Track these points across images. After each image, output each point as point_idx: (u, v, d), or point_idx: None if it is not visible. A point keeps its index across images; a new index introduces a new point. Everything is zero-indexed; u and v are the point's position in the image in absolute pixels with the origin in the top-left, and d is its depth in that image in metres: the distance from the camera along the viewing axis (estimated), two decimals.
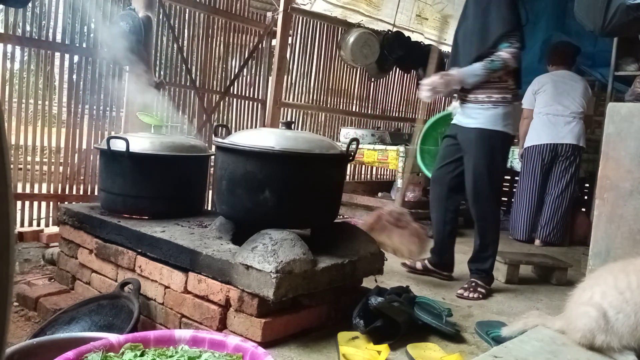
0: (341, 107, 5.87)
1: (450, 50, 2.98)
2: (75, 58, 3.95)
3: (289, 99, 5.24)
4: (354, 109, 6.03)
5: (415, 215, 4.25)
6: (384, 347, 1.71)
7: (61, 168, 3.92)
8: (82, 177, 4.00)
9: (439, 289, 2.71)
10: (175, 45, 4.35)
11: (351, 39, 5.33)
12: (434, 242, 2.95)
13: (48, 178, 3.87)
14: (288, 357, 1.69)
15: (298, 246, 1.78)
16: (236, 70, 4.86)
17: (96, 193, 3.72)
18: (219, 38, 4.70)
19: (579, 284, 1.54)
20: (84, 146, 3.99)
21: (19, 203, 3.79)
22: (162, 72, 4.29)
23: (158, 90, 3.92)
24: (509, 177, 5.82)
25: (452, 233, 2.89)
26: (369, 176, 6.46)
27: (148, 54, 3.74)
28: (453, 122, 2.82)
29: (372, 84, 6.16)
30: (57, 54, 3.79)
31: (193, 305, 1.89)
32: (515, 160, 4.49)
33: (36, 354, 1.44)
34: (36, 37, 3.66)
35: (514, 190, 4.98)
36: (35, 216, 3.85)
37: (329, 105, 5.74)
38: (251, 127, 5.00)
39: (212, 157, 2.58)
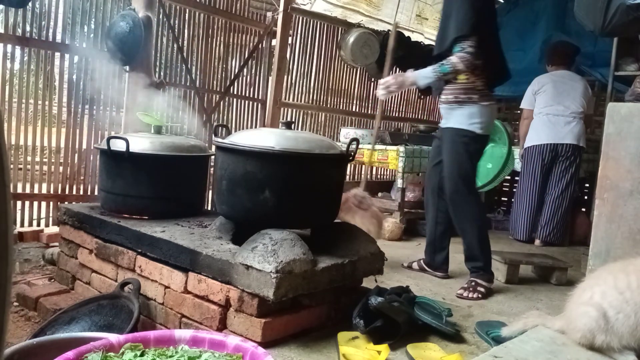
0: (341, 107, 5.86)
1: None
2: (75, 58, 3.95)
3: (289, 99, 5.24)
4: (354, 109, 6.03)
5: (416, 215, 4.28)
6: (384, 347, 1.71)
7: (61, 168, 3.92)
8: (82, 177, 4.00)
9: (439, 289, 2.71)
10: (175, 45, 4.35)
11: (351, 39, 5.33)
12: (425, 243, 2.98)
13: (48, 178, 3.87)
14: (288, 357, 1.69)
15: (298, 246, 1.78)
16: (236, 70, 4.86)
17: (96, 193, 3.72)
18: (219, 38, 4.70)
19: (579, 284, 1.54)
20: (84, 146, 3.99)
21: (19, 203, 3.79)
22: (162, 72, 4.29)
23: (158, 90, 3.92)
24: (509, 177, 5.82)
25: (444, 233, 2.91)
26: (368, 176, 6.45)
27: (148, 54, 3.74)
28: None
29: (372, 84, 6.16)
30: (57, 54, 3.79)
31: (193, 305, 1.89)
32: (515, 160, 4.49)
33: (36, 354, 1.44)
34: (36, 37, 3.66)
35: (514, 190, 4.98)
36: (35, 216, 3.85)
37: (329, 105, 5.74)
38: (251, 127, 5.00)
39: (212, 157, 2.58)
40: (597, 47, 4.81)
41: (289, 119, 3.29)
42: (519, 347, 1.43)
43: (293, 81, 5.31)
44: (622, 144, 1.80)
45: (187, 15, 4.44)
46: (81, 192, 3.99)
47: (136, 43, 3.52)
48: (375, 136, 3.76)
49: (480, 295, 2.61)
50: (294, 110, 5.38)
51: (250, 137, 1.98)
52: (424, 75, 2.61)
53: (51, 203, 3.87)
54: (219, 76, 4.77)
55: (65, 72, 3.86)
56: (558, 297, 2.69)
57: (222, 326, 1.82)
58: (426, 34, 5.97)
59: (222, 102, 4.81)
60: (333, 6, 5.24)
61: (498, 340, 1.73)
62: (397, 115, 6.64)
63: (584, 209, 4.83)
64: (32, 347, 1.46)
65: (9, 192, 0.61)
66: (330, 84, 5.70)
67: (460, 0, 2.54)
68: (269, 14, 4.98)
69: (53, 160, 3.87)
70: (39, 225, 3.86)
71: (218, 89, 4.76)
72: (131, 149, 2.25)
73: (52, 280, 2.73)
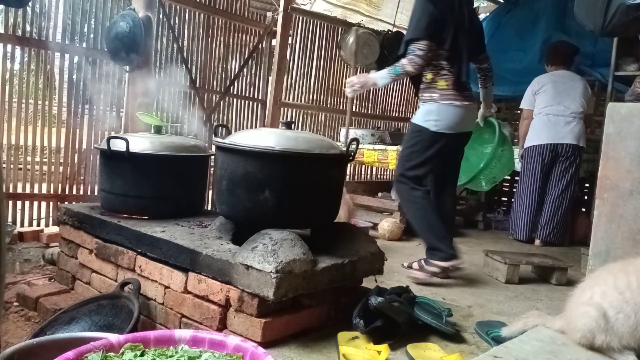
0: (341, 107, 5.86)
1: None
2: (75, 58, 3.95)
3: (289, 99, 5.24)
4: (354, 109, 6.03)
5: None
6: (384, 347, 1.71)
7: (61, 168, 3.92)
8: (82, 177, 4.00)
9: (439, 289, 2.71)
10: (175, 45, 4.35)
11: (351, 39, 5.33)
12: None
13: (48, 178, 3.87)
14: (288, 357, 1.69)
15: (298, 246, 1.78)
16: (236, 70, 4.86)
17: (96, 193, 3.72)
18: (219, 38, 4.70)
19: (579, 284, 1.54)
20: (84, 146, 3.99)
21: (19, 203, 3.79)
22: (162, 72, 4.29)
23: (158, 90, 3.92)
24: (509, 177, 5.82)
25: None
26: (369, 176, 6.46)
27: (148, 54, 3.74)
28: None
29: None
30: (57, 54, 3.79)
31: (193, 305, 1.89)
32: (515, 160, 4.49)
33: (36, 354, 1.44)
34: (36, 37, 3.66)
35: (514, 190, 4.98)
36: (35, 216, 3.85)
37: (329, 105, 5.74)
38: (251, 127, 5.00)
39: (212, 157, 2.58)
40: (597, 47, 4.80)
41: (289, 119, 3.29)
42: (519, 347, 1.43)
43: (293, 81, 5.31)
44: (622, 144, 1.80)
45: (187, 15, 4.45)
46: (81, 192, 3.99)
47: (136, 43, 3.52)
48: (347, 129, 3.88)
49: (429, 275, 2.75)
50: (294, 110, 5.38)
51: (250, 137, 1.98)
52: (381, 76, 2.77)
53: (51, 203, 3.88)
54: (219, 76, 4.77)
55: (65, 72, 3.86)
56: (558, 297, 2.69)
57: (222, 326, 1.81)
58: None
59: (222, 102, 4.81)
60: (333, 6, 5.25)
61: (498, 340, 1.73)
62: (397, 115, 6.65)
63: (584, 209, 4.83)
64: (32, 347, 1.46)
65: (2, 193, 0.61)
66: (330, 84, 5.70)
67: (416, 4, 2.71)
68: (269, 14, 4.98)
69: (53, 160, 3.88)
70: (39, 225, 3.86)
71: (218, 89, 4.76)
72: (131, 149, 2.25)
73: (52, 280, 2.73)
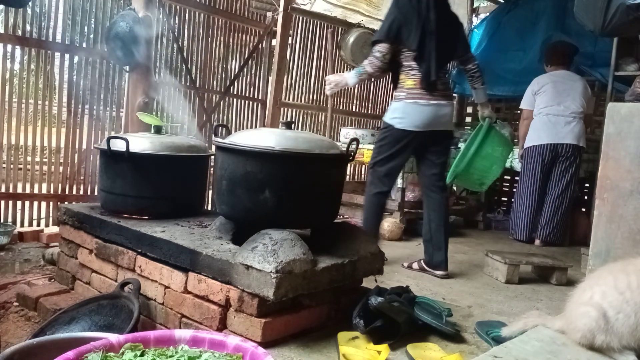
0: (341, 107, 5.86)
1: None
2: (75, 58, 3.95)
3: (289, 99, 5.24)
4: (354, 109, 6.03)
5: (416, 215, 4.28)
6: (384, 347, 1.71)
7: (61, 168, 3.92)
8: (82, 177, 4.00)
9: (439, 289, 2.71)
10: (175, 45, 4.35)
11: (351, 39, 5.33)
12: (423, 242, 3.00)
13: (48, 178, 3.88)
14: (288, 357, 1.69)
15: (298, 246, 1.78)
16: (236, 70, 4.86)
17: (96, 193, 3.72)
18: (219, 38, 4.70)
19: (579, 284, 1.54)
20: (84, 146, 3.99)
21: (19, 203, 3.79)
22: (162, 72, 4.29)
23: (158, 90, 3.92)
24: (508, 177, 5.82)
25: (438, 230, 2.93)
26: None
27: (148, 54, 3.74)
28: None
29: (372, 84, 6.16)
30: (57, 54, 3.79)
31: (193, 305, 1.89)
32: (515, 160, 4.49)
33: (36, 354, 1.44)
34: (36, 37, 3.66)
35: (514, 190, 4.98)
36: (35, 216, 3.85)
37: (328, 106, 5.73)
38: (251, 127, 5.00)
39: (212, 157, 2.58)
40: (597, 47, 4.80)
41: (289, 119, 3.30)
42: (519, 347, 1.43)
43: (293, 81, 5.31)
44: (622, 144, 1.80)
45: (187, 15, 4.45)
46: (81, 192, 4.00)
47: (136, 43, 3.51)
48: (329, 127, 3.94)
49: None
50: (294, 110, 5.38)
51: (250, 137, 1.98)
52: (351, 75, 2.90)
53: (51, 203, 3.88)
54: (219, 76, 4.77)
55: (65, 72, 3.86)
56: (558, 297, 2.69)
57: (222, 326, 1.81)
58: None
59: (222, 102, 4.81)
60: (333, 6, 5.24)
61: (498, 340, 1.73)
62: None
63: (584, 209, 4.83)
64: (32, 347, 1.46)
65: None
66: None
67: (388, 7, 2.84)
68: (269, 14, 4.98)
69: (53, 160, 3.88)
70: (39, 225, 3.86)
71: (218, 89, 4.76)
72: (131, 149, 2.25)
73: (52, 280, 2.73)
